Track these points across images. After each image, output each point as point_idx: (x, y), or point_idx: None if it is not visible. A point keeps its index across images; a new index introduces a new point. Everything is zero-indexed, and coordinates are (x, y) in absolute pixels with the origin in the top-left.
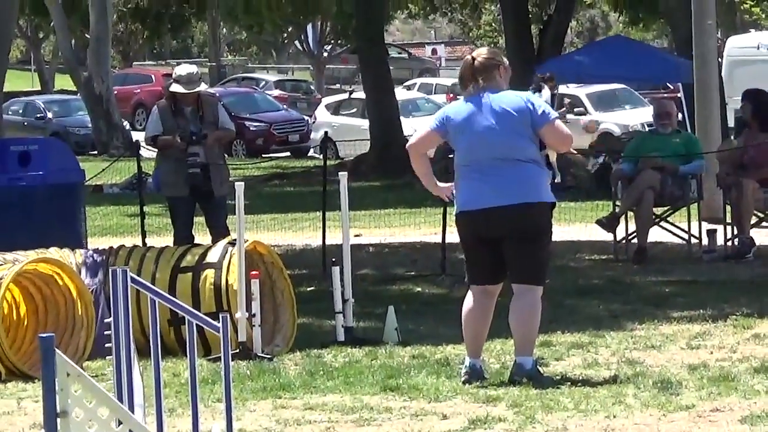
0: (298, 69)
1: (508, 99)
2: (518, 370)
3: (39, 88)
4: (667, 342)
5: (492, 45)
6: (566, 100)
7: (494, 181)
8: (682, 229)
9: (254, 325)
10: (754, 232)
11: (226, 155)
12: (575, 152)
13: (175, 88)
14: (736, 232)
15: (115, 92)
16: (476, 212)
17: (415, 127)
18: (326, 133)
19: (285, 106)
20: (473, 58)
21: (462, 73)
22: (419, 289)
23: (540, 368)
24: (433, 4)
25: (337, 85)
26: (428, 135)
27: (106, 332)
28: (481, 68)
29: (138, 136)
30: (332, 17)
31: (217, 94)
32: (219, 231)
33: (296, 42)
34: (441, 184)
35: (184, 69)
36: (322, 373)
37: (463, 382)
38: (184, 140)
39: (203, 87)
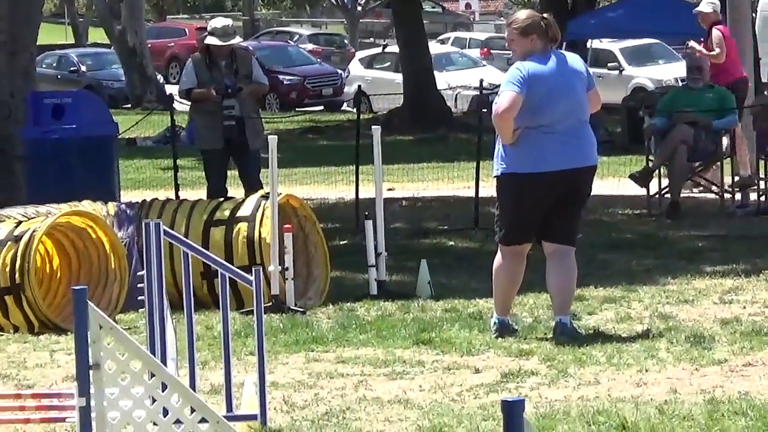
0: (331, 23)
1: (574, 60)
2: (562, 330)
3: (73, 42)
4: (699, 296)
5: (525, 0)
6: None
7: (571, 142)
8: (715, 184)
9: (287, 279)
10: None
11: (260, 109)
12: None
13: (210, 40)
14: None
15: (149, 46)
16: (555, 173)
17: (448, 81)
18: (360, 87)
19: (319, 60)
20: (543, 18)
21: (531, 32)
22: (452, 243)
23: (574, 323)
24: None
25: (371, 39)
26: (516, 99)
27: (139, 285)
28: (549, 29)
29: (171, 89)
30: None
31: (251, 48)
32: (252, 184)
33: None
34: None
35: (219, 22)
36: (354, 326)
37: (495, 337)
38: (218, 93)
39: (238, 40)
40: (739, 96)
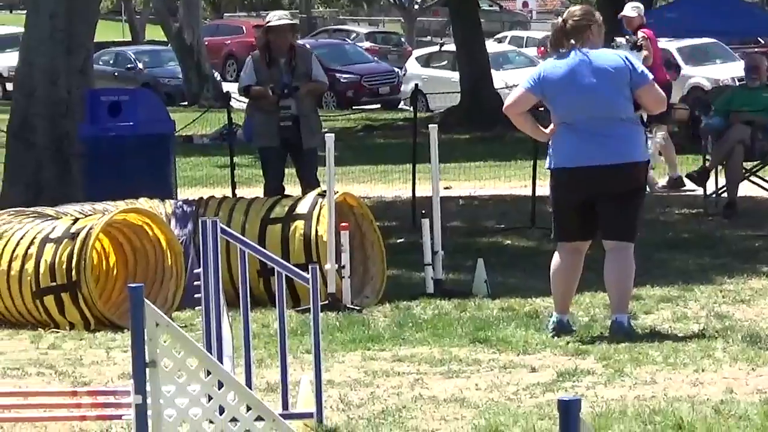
0: (389, 21)
1: (607, 57)
2: (618, 328)
3: (130, 39)
4: (756, 296)
5: None
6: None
7: (597, 140)
8: None
9: (343, 277)
10: None
11: (317, 107)
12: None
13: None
14: None
15: (206, 43)
16: (578, 169)
17: (505, 80)
18: (416, 85)
19: (376, 58)
20: (565, 21)
21: (554, 35)
22: (508, 241)
23: (632, 323)
24: None
25: (428, 38)
26: (523, 96)
27: (195, 283)
28: (572, 30)
29: (228, 87)
30: None
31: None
32: (309, 182)
33: None
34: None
35: (275, 13)
36: (411, 324)
37: (552, 336)
38: (275, 93)
39: (293, 27)
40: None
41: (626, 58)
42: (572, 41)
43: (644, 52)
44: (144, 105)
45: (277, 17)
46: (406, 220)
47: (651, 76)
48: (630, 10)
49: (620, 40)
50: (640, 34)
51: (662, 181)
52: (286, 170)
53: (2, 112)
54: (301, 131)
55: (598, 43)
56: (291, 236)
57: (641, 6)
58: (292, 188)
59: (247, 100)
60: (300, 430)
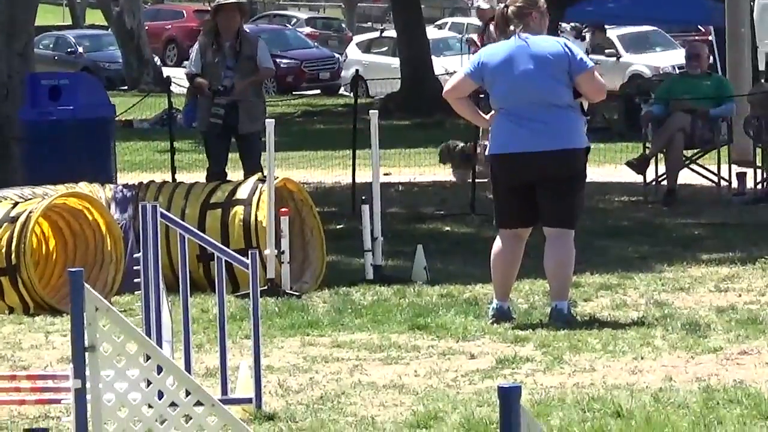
0: (329, 6)
1: (546, 43)
2: (558, 315)
3: (70, 23)
4: (695, 284)
5: None
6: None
7: (532, 126)
8: (712, 172)
9: (283, 262)
10: None
11: (261, 93)
12: None
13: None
14: (765, 175)
15: (146, 28)
16: (513, 156)
17: (445, 66)
18: (357, 71)
19: (316, 44)
20: (506, 6)
21: (495, 22)
22: (448, 228)
23: (572, 310)
24: None
25: (369, 24)
26: (462, 81)
27: (135, 267)
28: (514, 16)
29: (169, 71)
30: None
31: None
32: (251, 168)
33: None
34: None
35: None
36: (350, 310)
37: (491, 323)
38: (212, 91)
39: (242, 7)
40: None
41: (566, 44)
42: (512, 27)
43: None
44: (84, 89)
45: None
46: (346, 206)
47: (591, 64)
48: (483, 2)
49: (565, 26)
50: (491, 27)
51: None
52: (231, 155)
53: None
54: (239, 115)
55: (541, 30)
56: (231, 221)
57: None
58: (237, 173)
59: (187, 85)
60: (239, 415)
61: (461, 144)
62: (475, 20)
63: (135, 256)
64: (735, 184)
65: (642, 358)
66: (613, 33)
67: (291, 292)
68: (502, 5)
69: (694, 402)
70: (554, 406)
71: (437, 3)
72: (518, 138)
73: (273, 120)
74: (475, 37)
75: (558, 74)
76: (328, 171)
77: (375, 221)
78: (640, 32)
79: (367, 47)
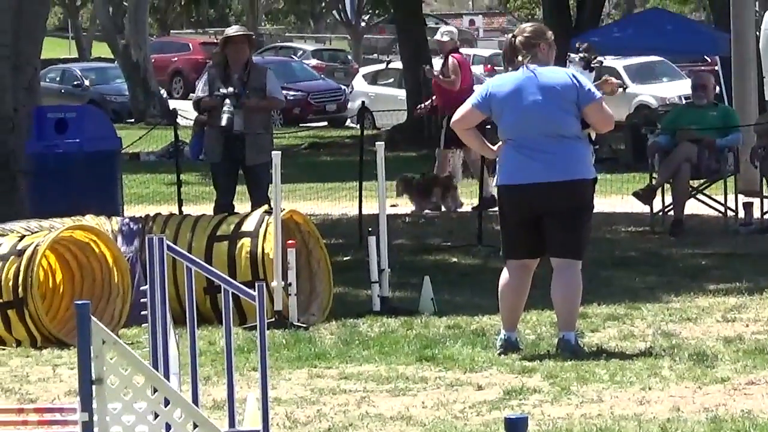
0: (335, 38)
1: (554, 74)
2: (565, 346)
3: (76, 56)
4: (702, 315)
5: (529, 16)
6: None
7: (540, 157)
8: (719, 202)
9: (290, 294)
10: None
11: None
12: None
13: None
14: None
15: (153, 60)
16: (521, 186)
17: None
18: (363, 102)
19: (322, 76)
20: (515, 36)
21: (504, 51)
22: (455, 259)
23: (579, 341)
24: None
25: (375, 55)
26: (470, 112)
27: (142, 300)
28: (522, 46)
29: (175, 104)
30: None
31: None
32: (258, 200)
33: (334, 11)
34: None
35: (233, 27)
36: (357, 342)
37: (499, 354)
38: (218, 96)
39: (251, 39)
40: None
41: (574, 76)
42: (521, 58)
43: (452, 77)
44: (90, 122)
45: (234, 30)
46: (353, 237)
47: (599, 95)
48: (442, 35)
49: (574, 56)
50: (450, 59)
51: (473, 201)
52: (239, 187)
53: None
54: (246, 147)
55: (548, 61)
56: (237, 254)
57: (454, 30)
58: (244, 205)
59: (193, 118)
60: None
61: (417, 176)
62: (480, 51)
63: (142, 288)
64: (742, 214)
65: (650, 389)
66: (619, 63)
67: (298, 324)
68: (510, 36)
69: None
70: None
71: None
72: (526, 169)
73: (279, 152)
74: (431, 69)
75: (566, 105)
76: (334, 203)
77: (382, 253)
78: (646, 63)
79: (373, 79)
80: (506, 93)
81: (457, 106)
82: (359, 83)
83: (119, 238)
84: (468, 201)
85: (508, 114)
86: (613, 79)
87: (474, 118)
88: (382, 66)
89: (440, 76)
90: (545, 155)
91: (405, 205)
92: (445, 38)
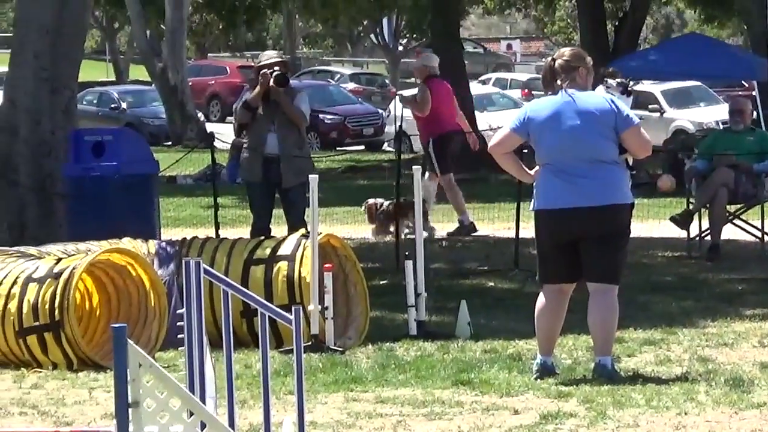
0: (373, 62)
1: (593, 99)
2: (602, 371)
3: (114, 79)
4: (739, 339)
5: (567, 41)
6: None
7: (578, 182)
8: (756, 227)
9: (327, 318)
10: None
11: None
12: None
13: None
14: None
15: (190, 83)
16: (558, 211)
17: (488, 122)
18: (400, 126)
19: (360, 100)
20: (554, 60)
21: (543, 75)
22: (492, 283)
23: (616, 365)
24: (509, 0)
25: (412, 79)
26: (508, 136)
27: (178, 323)
28: (561, 70)
29: (212, 127)
30: (408, 11)
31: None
32: (295, 222)
33: (371, 35)
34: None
35: (267, 53)
36: (393, 366)
37: (535, 378)
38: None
39: (285, 64)
40: (446, 148)
41: (612, 101)
42: (560, 82)
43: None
44: (128, 145)
45: (267, 57)
46: (390, 261)
47: (637, 120)
48: (417, 62)
49: (612, 82)
50: (421, 86)
51: (449, 228)
52: (275, 211)
53: None
54: (281, 170)
55: (586, 86)
56: (274, 277)
57: (429, 57)
58: (281, 229)
59: (230, 141)
60: None
61: (385, 203)
62: (518, 75)
63: (178, 311)
64: None
65: (686, 414)
66: (656, 88)
67: (334, 347)
68: (549, 59)
69: None
70: None
71: (481, 59)
72: (564, 193)
73: (317, 176)
74: (402, 93)
75: (604, 130)
76: (371, 227)
77: (418, 277)
78: (683, 87)
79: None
80: (545, 117)
81: (433, 132)
82: (396, 107)
83: (156, 262)
84: (443, 227)
85: (546, 138)
86: (669, 178)
87: (512, 142)
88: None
89: (413, 103)
90: (583, 180)
91: (442, 230)
92: (417, 64)
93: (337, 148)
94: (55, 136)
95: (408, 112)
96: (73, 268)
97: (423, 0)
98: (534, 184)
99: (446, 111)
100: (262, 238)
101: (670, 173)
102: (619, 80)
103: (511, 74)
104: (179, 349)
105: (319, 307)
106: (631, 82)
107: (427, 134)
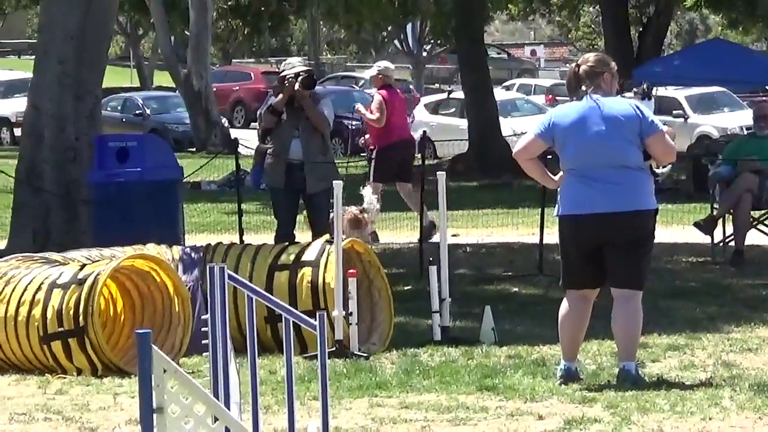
0: (397, 68)
1: (618, 105)
2: (626, 376)
3: (138, 85)
4: (763, 345)
5: (591, 46)
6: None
7: (602, 188)
8: None
9: (351, 324)
10: None
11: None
12: None
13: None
14: None
15: (214, 89)
16: (583, 216)
17: (513, 127)
18: (425, 132)
19: None
20: (578, 65)
21: (568, 80)
22: (516, 289)
23: (640, 371)
24: (533, 6)
25: (436, 85)
26: (533, 142)
27: (202, 329)
28: (585, 76)
29: (236, 133)
30: (432, 17)
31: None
32: (318, 228)
33: (395, 41)
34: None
35: (290, 61)
36: (418, 372)
37: (559, 384)
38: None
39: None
40: (389, 158)
41: (637, 106)
42: (584, 87)
43: (376, 114)
44: (152, 151)
45: (290, 65)
46: (414, 267)
47: (662, 126)
48: (373, 70)
49: (359, 106)
50: (376, 95)
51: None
52: (299, 217)
53: (10, 157)
54: (306, 175)
55: (610, 91)
56: (298, 283)
57: (384, 66)
58: (305, 235)
59: (254, 147)
60: None
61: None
62: (542, 81)
63: (203, 317)
64: None
65: (710, 419)
66: (680, 94)
67: (359, 353)
68: (573, 65)
69: None
70: None
71: (505, 64)
72: (588, 199)
73: (341, 181)
74: (361, 107)
75: (629, 136)
76: (396, 232)
77: (443, 282)
78: (707, 93)
79: (434, 108)
80: (569, 123)
81: (386, 141)
82: (421, 113)
83: (180, 267)
84: (408, 233)
85: (571, 144)
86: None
87: (537, 147)
88: (444, 96)
89: (368, 113)
90: (607, 185)
91: (466, 235)
92: (373, 72)
93: (361, 154)
94: (80, 142)
95: (431, 118)
96: (98, 274)
97: (447, 6)
98: (558, 189)
99: (397, 121)
100: (287, 243)
101: (694, 179)
102: (645, 86)
103: (535, 80)
104: (203, 354)
105: (344, 312)
106: (653, 88)
107: (374, 141)
